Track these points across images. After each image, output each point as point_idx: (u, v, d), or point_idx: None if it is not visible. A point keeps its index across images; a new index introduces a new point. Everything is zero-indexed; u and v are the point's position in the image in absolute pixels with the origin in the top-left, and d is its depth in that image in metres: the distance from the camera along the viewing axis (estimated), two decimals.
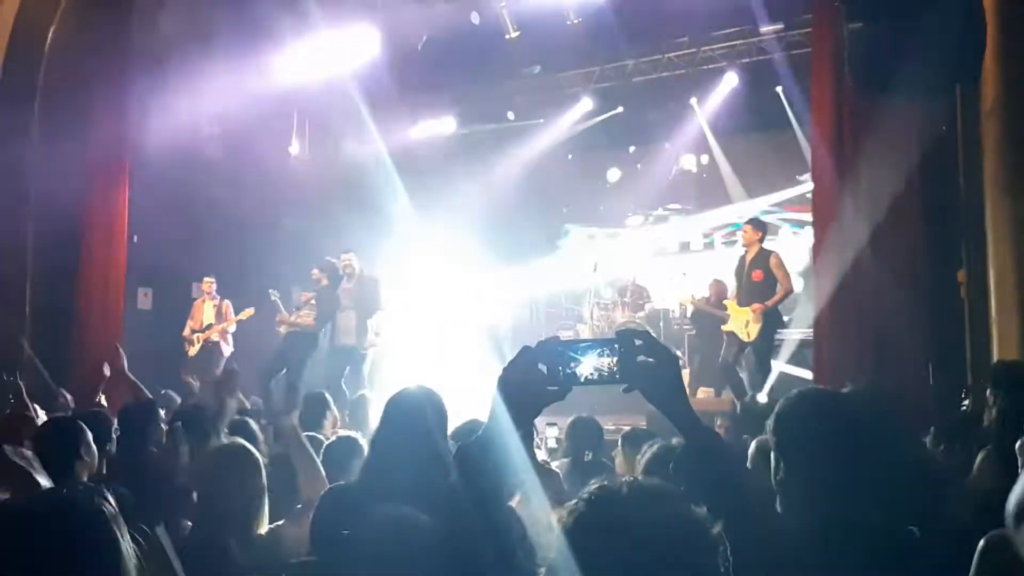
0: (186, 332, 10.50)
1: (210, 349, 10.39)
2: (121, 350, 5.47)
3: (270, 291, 10.17)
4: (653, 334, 1.63)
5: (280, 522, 3.03)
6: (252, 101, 10.57)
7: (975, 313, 6.42)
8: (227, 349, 10.48)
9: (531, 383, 1.54)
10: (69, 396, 6.36)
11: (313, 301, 9.78)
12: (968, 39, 6.08)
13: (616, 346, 1.57)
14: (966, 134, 6.56)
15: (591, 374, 1.55)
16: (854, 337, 6.75)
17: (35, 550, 1.54)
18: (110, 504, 1.67)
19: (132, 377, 5.37)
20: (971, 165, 6.49)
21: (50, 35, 8.31)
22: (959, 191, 6.64)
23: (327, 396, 5.34)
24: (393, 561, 1.91)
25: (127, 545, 1.64)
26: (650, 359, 1.57)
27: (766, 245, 8.70)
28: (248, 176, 10.89)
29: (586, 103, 13.46)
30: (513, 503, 1.97)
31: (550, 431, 5.81)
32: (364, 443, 3.77)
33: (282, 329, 10.01)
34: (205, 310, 10.57)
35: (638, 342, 1.57)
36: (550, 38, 11.39)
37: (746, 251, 8.71)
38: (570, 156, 14.74)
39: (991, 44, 6.18)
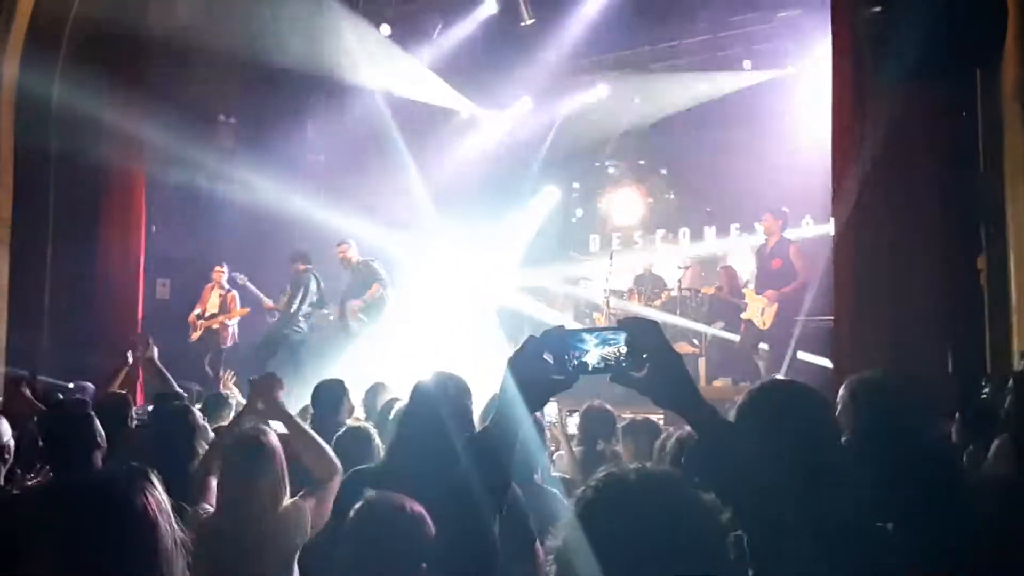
0: (191, 317, 10.45)
1: (206, 339, 10.34)
2: (151, 340, 5.51)
3: (237, 275, 10.32)
4: (660, 326, 1.60)
5: (296, 498, 3.06)
6: (267, 89, 10.60)
7: (995, 300, 6.36)
8: (228, 341, 10.40)
9: (537, 373, 1.54)
10: (90, 385, 6.43)
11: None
12: (988, 22, 6.01)
13: (622, 335, 1.54)
14: (986, 119, 6.48)
15: (598, 363, 1.53)
16: (872, 324, 6.69)
17: (69, 533, 1.47)
18: (155, 487, 1.59)
19: (161, 367, 5.43)
20: (991, 150, 6.42)
21: (67, 28, 8.36)
22: (979, 177, 6.56)
23: (344, 384, 5.33)
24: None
25: (167, 527, 1.56)
26: (650, 358, 1.54)
27: (787, 234, 8.68)
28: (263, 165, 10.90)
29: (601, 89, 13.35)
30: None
31: (571, 420, 5.83)
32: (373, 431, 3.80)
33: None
34: (211, 298, 10.53)
35: (642, 339, 1.54)
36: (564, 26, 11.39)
37: (767, 240, 8.68)
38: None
39: (1012, 27, 6.10)
